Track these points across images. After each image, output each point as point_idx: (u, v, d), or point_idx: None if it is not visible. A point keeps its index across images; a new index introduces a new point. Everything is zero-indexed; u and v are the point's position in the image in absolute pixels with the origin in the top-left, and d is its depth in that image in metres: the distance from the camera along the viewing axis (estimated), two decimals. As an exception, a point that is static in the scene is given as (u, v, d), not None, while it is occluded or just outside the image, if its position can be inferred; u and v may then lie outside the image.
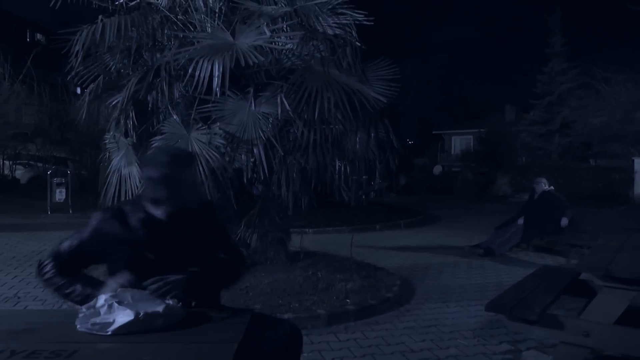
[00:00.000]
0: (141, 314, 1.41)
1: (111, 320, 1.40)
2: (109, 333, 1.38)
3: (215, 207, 2.08)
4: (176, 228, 1.85)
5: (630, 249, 3.65)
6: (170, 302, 1.59)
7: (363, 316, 4.06)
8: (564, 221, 6.89)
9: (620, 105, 16.85)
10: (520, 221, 7.07)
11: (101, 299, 1.49)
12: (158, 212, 1.84)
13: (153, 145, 4.38)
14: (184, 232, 1.87)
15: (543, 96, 25.10)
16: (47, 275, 1.79)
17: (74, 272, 1.82)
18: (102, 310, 1.45)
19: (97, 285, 1.75)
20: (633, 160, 16.14)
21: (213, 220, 2.02)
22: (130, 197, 4.46)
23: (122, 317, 1.40)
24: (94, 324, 1.40)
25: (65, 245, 1.83)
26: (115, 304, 1.46)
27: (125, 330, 1.38)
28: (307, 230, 8.30)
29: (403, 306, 4.45)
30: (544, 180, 7.40)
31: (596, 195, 15.44)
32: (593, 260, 3.46)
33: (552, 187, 7.39)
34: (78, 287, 1.76)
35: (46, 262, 1.81)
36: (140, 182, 4.36)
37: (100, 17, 4.71)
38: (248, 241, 5.19)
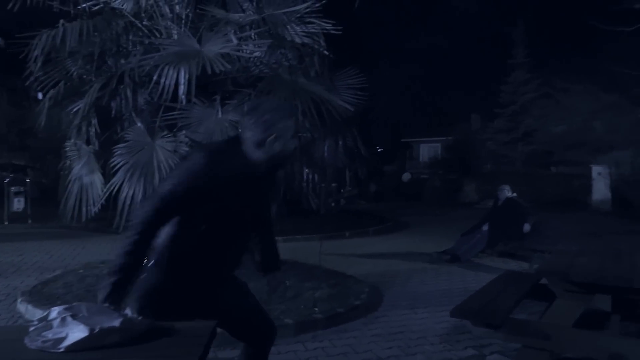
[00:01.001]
0: (96, 329, 1.35)
1: (64, 336, 1.34)
2: (62, 350, 1.32)
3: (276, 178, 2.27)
4: (263, 182, 1.95)
5: (587, 254, 3.80)
6: (129, 314, 1.54)
7: (331, 324, 4.05)
8: (526, 227, 7.10)
9: (579, 114, 17.55)
10: (485, 227, 7.23)
11: (54, 312, 1.43)
12: (257, 155, 1.83)
13: (117, 149, 4.28)
14: (266, 189, 2.02)
15: (507, 105, 25.93)
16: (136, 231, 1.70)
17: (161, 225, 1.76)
18: (55, 323, 1.38)
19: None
20: (591, 168, 16.78)
21: (272, 187, 2.20)
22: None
23: (76, 332, 1.34)
24: (45, 341, 1.33)
25: (173, 190, 1.73)
26: (69, 318, 1.39)
27: (79, 346, 1.32)
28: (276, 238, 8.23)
29: (371, 313, 4.46)
30: (507, 187, 7.60)
31: (557, 201, 15.95)
32: (553, 265, 3.58)
33: (515, 194, 7.61)
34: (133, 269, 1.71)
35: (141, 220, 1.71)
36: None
37: (61, 21, 4.59)
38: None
